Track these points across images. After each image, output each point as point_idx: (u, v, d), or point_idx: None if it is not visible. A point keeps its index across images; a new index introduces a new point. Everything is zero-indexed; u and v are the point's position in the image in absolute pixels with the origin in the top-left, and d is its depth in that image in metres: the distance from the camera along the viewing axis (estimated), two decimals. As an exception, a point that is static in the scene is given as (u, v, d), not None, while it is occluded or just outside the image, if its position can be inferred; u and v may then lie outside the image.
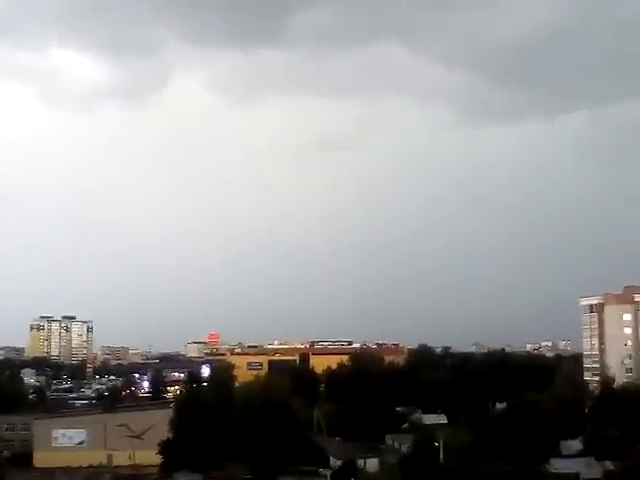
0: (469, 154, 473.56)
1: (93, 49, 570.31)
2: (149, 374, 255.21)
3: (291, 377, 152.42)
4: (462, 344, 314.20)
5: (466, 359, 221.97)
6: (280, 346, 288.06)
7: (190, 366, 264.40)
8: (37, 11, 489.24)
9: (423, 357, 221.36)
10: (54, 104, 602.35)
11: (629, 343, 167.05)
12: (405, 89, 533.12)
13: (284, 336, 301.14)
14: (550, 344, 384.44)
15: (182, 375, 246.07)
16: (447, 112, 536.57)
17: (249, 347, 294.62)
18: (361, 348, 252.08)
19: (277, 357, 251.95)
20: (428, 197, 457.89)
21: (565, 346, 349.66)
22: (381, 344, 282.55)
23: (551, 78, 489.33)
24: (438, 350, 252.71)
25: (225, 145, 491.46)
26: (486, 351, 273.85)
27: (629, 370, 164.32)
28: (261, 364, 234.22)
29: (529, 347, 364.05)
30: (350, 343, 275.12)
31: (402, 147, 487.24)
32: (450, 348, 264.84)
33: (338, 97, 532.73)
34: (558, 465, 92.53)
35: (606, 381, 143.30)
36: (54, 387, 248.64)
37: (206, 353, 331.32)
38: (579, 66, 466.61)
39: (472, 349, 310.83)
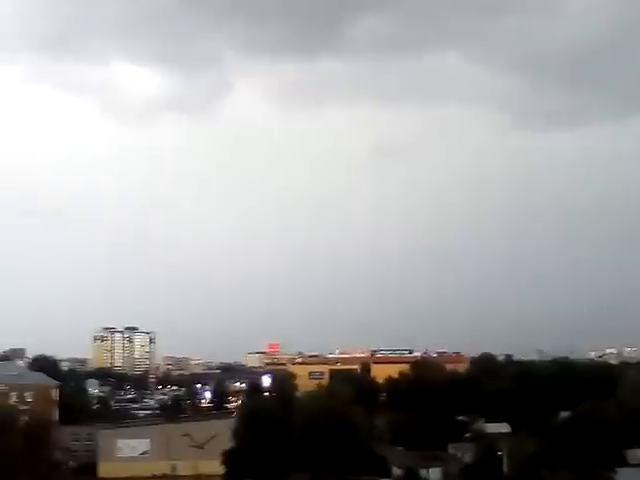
0: (527, 159, 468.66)
1: (154, 61, 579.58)
2: (211, 384, 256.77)
3: (352, 386, 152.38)
4: (525, 352, 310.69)
5: (529, 367, 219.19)
6: (341, 355, 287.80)
7: (251, 376, 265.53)
8: (98, 24, 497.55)
9: (485, 365, 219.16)
10: (115, 118, 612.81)
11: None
12: (462, 96, 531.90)
13: (345, 345, 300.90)
14: (615, 351, 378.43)
15: (243, 385, 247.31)
16: (504, 118, 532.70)
17: (310, 357, 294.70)
18: (422, 357, 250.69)
19: (338, 366, 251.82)
20: (488, 203, 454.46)
21: (630, 353, 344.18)
22: (442, 352, 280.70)
23: (614, 81, 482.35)
24: (500, 358, 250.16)
25: (286, 156, 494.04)
26: (549, 359, 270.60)
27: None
28: (322, 373, 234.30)
29: (593, 354, 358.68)
30: (411, 352, 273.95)
31: (461, 153, 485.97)
32: (512, 356, 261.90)
33: (396, 105, 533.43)
34: (624, 474, 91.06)
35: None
36: (118, 397, 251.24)
37: (266, 363, 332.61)
38: (632, 72, 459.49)
39: (535, 357, 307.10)
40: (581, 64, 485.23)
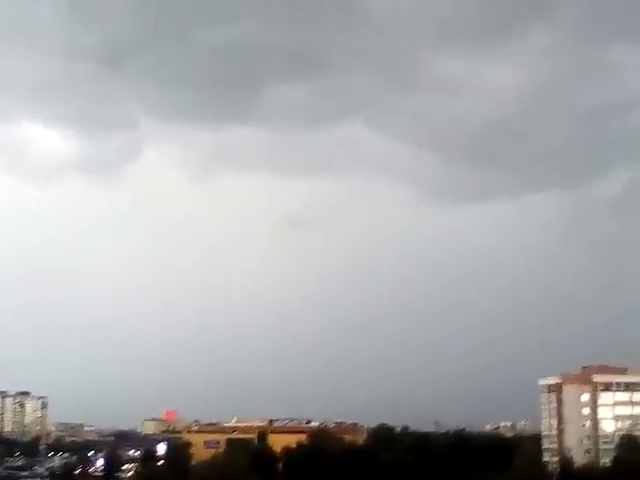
0: (435, 233, 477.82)
1: (67, 123, 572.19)
2: (104, 452, 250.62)
3: (249, 456, 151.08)
4: (422, 423, 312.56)
5: (425, 439, 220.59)
6: (238, 424, 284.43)
7: (146, 444, 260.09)
8: (12, 84, 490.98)
9: (382, 436, 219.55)
10: (22, 179, 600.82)
11: (587, 424, 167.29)
12: (371, 167, 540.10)
13: (243, 414, 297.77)
14: (509, 424, 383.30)
15: (138, 453, 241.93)
16: (413, 192, 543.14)
17: (207, 425, 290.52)
18: (320, 427, 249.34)
19: (235, 435, 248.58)
20: (396, 275, 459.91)
21: (524, 426, 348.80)
22: (340, 423, 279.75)
23: (518, 159, 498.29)
24: (397, 429, 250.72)
25: (195, 224, 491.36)
26: (445, 431, 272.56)
27: (587, 451, 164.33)
28: (218, 442, 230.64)
29: (488, 427, 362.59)
30: (309, 422, 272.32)
31: (372, 226, 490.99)
32: (409, 427, 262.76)
33: (307, 176, 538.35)
34: None
35: (565, 462, 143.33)
36: (6, 464, 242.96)
37: (163, 431, 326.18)
38: (546, 148, 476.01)
39: (432, 428, 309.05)
40: (486, 141, 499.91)
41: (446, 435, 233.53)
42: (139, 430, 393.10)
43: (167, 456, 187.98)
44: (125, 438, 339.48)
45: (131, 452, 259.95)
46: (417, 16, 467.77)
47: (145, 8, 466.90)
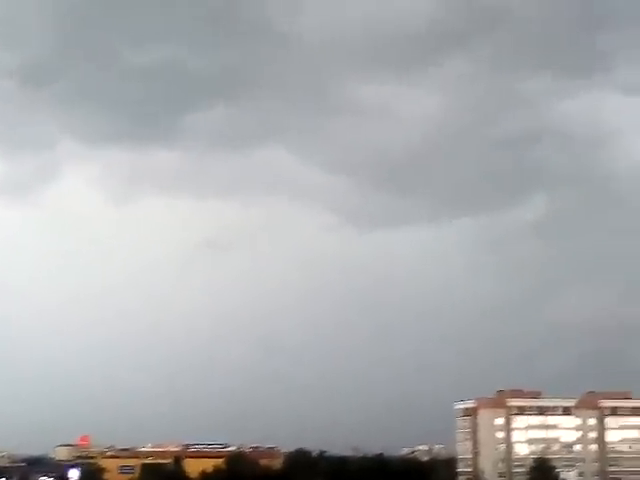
0: (353, 257, 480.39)
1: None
2: (15, 478, 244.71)
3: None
4: (339, 448, 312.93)
5: (342, 463, 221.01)
6: (153, 449, 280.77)
7: (58, 470, 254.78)
8: None
9: (299, 461, 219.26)
10: None
11: (502, 447, 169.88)
12: (293, 193, 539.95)
13: (158, 439, 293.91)
14: (426, 448, 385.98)
15: (51, 479, 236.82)
16: (333, 217, 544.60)
17: (121, 450, 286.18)
18: (237, 451, 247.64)
19: (150, 460, 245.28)
20: (313, 298, 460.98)
21: (440, 450, 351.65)
22: (256, 447, 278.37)
23: (437, 186, 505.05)
24: (314, 454, 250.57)
25: (114, 247, 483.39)
26: (362, 455, 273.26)
27: (502, 474, 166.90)
28: (133, 467, 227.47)
29: (405, 451, 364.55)
30: (226, 446, 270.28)
31: (289, 250, 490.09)
32: (326, 452, 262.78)
33: (229, 199, 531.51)
34: None
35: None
36: None
37: (76, 456, 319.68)
38: (465, 175, 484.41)
39: (348, 453, 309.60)
40: (405, 168, 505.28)
41: (363, 459, 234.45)
42: (52, 456, 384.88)
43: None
44: (37, 464, 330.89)
45: (43, 478, 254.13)
46: (340, 42, 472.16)
47: (67, 27, 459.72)
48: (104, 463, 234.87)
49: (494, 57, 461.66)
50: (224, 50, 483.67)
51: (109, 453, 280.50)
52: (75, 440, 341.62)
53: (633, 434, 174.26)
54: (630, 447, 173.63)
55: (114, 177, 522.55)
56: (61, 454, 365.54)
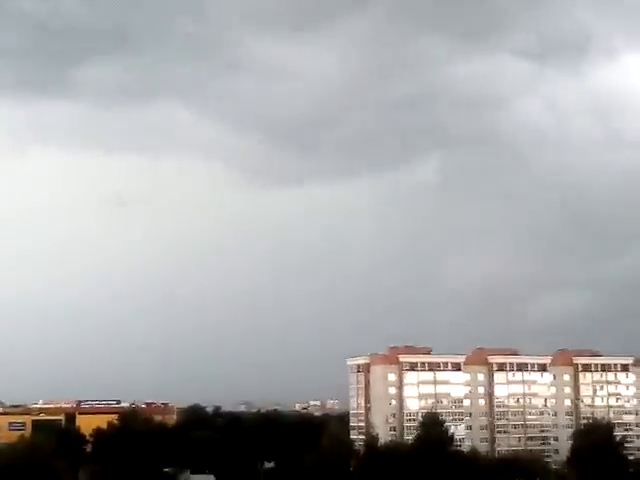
0: (252, 214, 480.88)
1: None
2: None
3: (56, 438, 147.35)
4: (233, 403, 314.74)
5: (236, 418, 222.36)
6: (45, 405, 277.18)
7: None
8: None
9: (193, 417, 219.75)
10: None
11: (393, 402, 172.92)
12: (191, 149, 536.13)
13: (49, 395, 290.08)
14: (319, 403, 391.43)
15: None
16: (231, 173, 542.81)
17: (11, 407, 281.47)
18: (130, 407, 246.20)
19: (41, 417, 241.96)
20: (212, 253, 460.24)
21: (333, 405, 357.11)
22: (151, 403, 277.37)
23: (332, 144, 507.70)
24: (209, 410, 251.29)
25: (7, 200, 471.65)
26: (256, 410, 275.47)
27: (393, 429, 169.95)
28: (24, 424, 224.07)
29: (298, 406, 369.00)
30: (119, 402, 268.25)
31: (188, 205, 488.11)
32: (220, 407, 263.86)
33: (129, 154, 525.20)
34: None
35: (371, 439, 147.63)
36: None
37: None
38: (359, 134, 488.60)
39: (242, 408, 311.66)
40: (305, 128, 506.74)
41: (257, 415, 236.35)
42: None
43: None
44: None
45: None
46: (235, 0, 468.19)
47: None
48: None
49: (390, 18, 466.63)
50: (125, 7, 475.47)
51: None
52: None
53: (519, 389, 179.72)
54: (517, 401, 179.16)
55: (5, 128, 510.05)
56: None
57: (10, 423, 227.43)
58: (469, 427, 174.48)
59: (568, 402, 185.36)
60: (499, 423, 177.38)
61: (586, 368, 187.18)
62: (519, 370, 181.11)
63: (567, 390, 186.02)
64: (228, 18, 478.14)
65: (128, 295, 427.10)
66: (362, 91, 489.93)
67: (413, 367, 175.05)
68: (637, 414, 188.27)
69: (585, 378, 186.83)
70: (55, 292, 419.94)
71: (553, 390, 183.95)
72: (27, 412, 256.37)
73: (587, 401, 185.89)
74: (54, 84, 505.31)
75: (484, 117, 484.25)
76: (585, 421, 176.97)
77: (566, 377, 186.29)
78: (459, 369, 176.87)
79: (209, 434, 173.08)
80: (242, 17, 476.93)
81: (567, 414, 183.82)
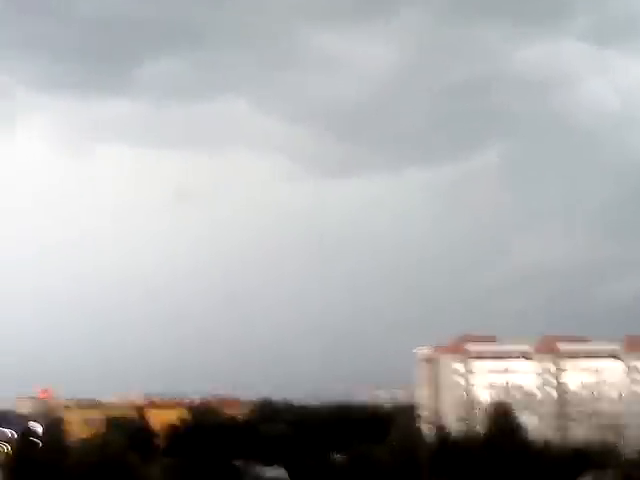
0: (315, 205, 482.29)
1: None
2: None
3: (127, 432, 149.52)
4: (302, 396, 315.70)
5: (306, 412, 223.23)
6: (116, 400, 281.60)
7: (21, 423, 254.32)
8: None
9: (263, 410, 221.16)
10: None
11: (462, 392, 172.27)
12: (250, 143, 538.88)
13: (121, 390, 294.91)
14: (388, 395, 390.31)
15: (13, 433, 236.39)
16: (291, 165, 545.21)
17: (84, 402, 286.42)
18: (201, 402, 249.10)
19: (113, 412, 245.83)
20: (277, 247, 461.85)
21: (401, 396, 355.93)
22: (222, 397, 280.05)
23: (391, 135, 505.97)
24: (279, 403, 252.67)
25: (75, 197, 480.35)
26: (326, 403, 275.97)
27: (462, 419, 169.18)
28: (97, 420, 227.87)
29: (367, 398, 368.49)
30: (189, 396, 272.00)
31: (250, 198, 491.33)
32: (291, 401, 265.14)
33: (189, 150, 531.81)
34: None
35: (440, 430, 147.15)
36: None
37: (38, 409, 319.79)
38: (414, 125, 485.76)
39: (312, 401, 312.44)
40: (363, 118, 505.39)
41: (327, 407, 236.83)
42: (13, 409, 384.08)
43: (44, 435, 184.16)
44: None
45: (6, 432, 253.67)
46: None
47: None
48: (67, 415, 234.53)
49: (452, 7, 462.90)
50: (184, 2, 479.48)
51: (71, 405, 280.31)
52: (37, 393, 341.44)
53: (590, 377, 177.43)
54: (588, 390, 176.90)
55: (73, 127, 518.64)
56: (23, 407, 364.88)
57: (84, 419, 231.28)
58: (539, 416, 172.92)
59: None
60: (570, 412, 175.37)
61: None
62: (589, 357, 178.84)
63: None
64: (287, 10, 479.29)
65: (193, 291, 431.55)
66: (422, 79, 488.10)
67: (480, 356, 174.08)
68: None
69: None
70: (121, 289, 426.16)
71: (625, 377, 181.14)
72: (100, 407, 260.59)
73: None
74: (117, 82, 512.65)
75: (547, 101, 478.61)
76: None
77: (638, 364, 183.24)
78: (527, 357, 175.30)
79: (279, 427, 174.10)
80: (301, 9, 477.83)
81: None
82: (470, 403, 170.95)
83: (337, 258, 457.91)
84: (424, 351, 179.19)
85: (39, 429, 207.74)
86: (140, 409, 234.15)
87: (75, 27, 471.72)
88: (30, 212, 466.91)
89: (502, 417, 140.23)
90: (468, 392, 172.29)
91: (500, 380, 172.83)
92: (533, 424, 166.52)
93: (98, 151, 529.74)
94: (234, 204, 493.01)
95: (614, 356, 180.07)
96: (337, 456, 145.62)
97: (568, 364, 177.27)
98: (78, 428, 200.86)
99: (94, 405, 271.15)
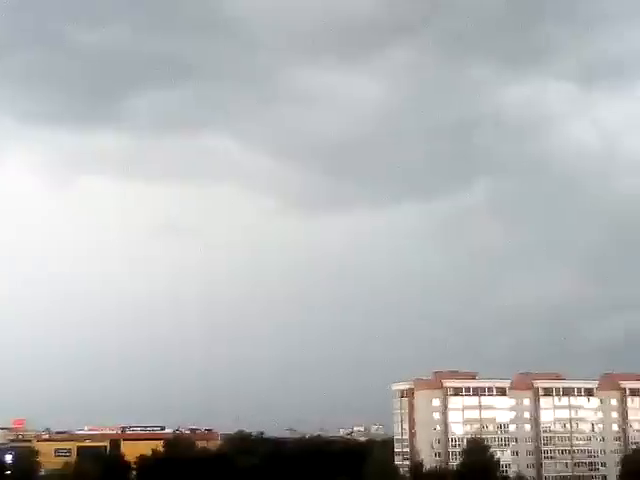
0: (297, 241, 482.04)
1: None
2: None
3: (101, 464, 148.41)
4: (277, 429, 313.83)
5: (280, 444, 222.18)
6: (90, 432, 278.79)
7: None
8: None
9: (237, 443, 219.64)
10: None
11: (438, 428, 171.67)
12: (236, 177, 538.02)
13: (94, 421, 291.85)
14: (363, 429, 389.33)
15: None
16: (274, 201, 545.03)
17: (57, 433, 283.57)
18: (174, 433, 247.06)
19: (87, 443, 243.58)
20: (261, 281, 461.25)
21: (377, 430, 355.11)
22: (194, 429, 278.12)
23: (378, 172, 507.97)
24: (254, 436, 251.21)
25: (60, 228, 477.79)
26: (300, 436, 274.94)
27: (437, 454, 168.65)
28: (69, 450, 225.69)
29: (342, 432, 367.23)
30: (163, 428, 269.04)
31: (236, 232, 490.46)
32: (263, 433, 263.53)
33: (175, 183, 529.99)
34: None
35: (416, 465, 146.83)
36: None
37: (11, 439, 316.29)
38: (400, 162, 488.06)
39: (287, 434, 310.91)
40: (346, 154, 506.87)
41: (301, 441, 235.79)
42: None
43: (14, 466, 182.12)
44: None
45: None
46: (284, 30, 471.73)
47: (11, 7, 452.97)
48: (39, 446, 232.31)
49: (438, 46, 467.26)
50: (175, 37, 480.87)
51: (45, 436, 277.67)
52: (10, 423, 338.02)
53: (565, 414, 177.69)
54: (564, 426, 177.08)
55: (58, 158, 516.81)
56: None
57: (56, 450, 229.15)
58: (515, 452, 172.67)
59: (616, 427, 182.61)
60: (545, 448, 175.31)
61: (634, 392, 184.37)
62: (565, 395, 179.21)
63: (614, 415, 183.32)
64: (275, 46, 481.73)
65: (176, 323, 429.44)
66: (409, 118, 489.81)
67: (458, 392, 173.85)
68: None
69: (633, 402, 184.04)
70: (102, 321, 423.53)
71: (600, 415, 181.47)
72: (72, 438, 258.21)
73: (636, 426, 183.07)
74: (103, 114, 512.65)
75: (531, 141, 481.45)
76: (634, 446, 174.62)
77: (613, 402, 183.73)
78: (504, 394, 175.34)
79: (253, 460, 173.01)
80: (288, 46, 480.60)
81: (615, 439, 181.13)
82: (446, 438, 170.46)
83: (320, 292, 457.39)
84: (401, 386, 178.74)
85: (10, 459, 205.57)
86: (114, 441, 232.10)
87: (62, 59, 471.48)
88: (14, 242, 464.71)
89: (477, 452, 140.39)
90: (445, 427, 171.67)
91: (476, 416, 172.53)
92: (509, 460, 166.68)
93: (83, 183, 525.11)
94: (220, 237, 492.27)
95: (590, 394, 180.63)
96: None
97: (544, 401, 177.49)
98: (50, 459, 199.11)
99: (67, 436, 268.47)
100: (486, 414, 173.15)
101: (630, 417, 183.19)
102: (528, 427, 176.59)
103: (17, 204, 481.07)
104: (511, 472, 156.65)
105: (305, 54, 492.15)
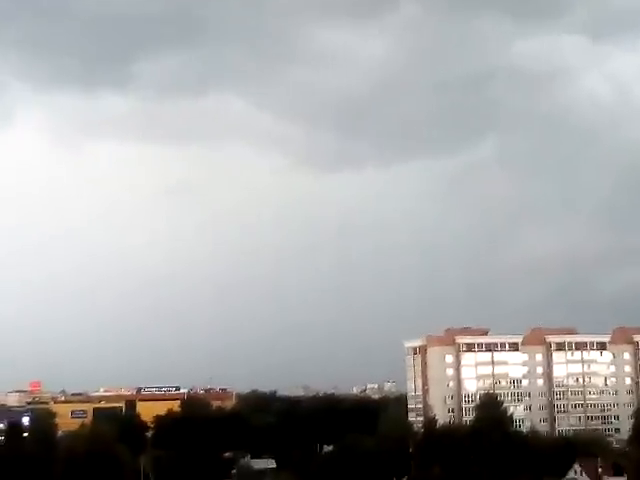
0: (311, 199, 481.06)
1: None
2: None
3: (117, 425, 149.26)
4: (291, 388, 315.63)
5: (294, 403, 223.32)
6: (105, 393, 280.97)
7: (10, 416, 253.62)
8: None
9: (252, 402, 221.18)
10: None
11: (451, 384, 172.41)
12: (247, 137, 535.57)
13: (110, 382, 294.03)
14: (376, 386, 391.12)
15: (1, 426, 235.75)
16: (285, 160, 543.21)
17: (73, 395, 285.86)
18: (189, 394, 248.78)
19: (102, 404, 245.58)
20: (275, 240, 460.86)
21: (390, 388, 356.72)
22: (209, 389, 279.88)
23: (387, 129, 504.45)
24: (268, 395, 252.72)
25: (67, 194, 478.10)
26: (314, 394, 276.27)
27: (451, 410, 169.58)
28: (85, 412, 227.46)
29: (356, 390, 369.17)
30: (178, 389, 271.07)
31: (247, 191, 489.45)
32: (277, 392, 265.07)
33: (183, 144, 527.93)
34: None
35: (429, 421, 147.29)
36: None
37: (28, 402, 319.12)
38: (409, 119, 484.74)
39: (300, 393, 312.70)
40: (360, 113, 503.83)
41: (315, 399, 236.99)
42: (2, 402, 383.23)
43: (31, 428, 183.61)
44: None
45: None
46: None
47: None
48: (56, 408, 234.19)
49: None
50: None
51: (61, 398, 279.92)
52: (27, 386, 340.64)
53: (578, 368, 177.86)
54: (576, 381, 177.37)
55: (68, 122, 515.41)
56: (12, 400, 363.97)
57: (72, 411, 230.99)
58: (528, 407, 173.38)
59: (629, 380, 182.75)
60: (558, 403, 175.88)
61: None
62: (578, 349, 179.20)
63: (627, 368, 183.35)
64: (284, 7, 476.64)
65: (189, 285, 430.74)
66: (419, 74, 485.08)
67: (470, 348, 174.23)
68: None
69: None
70: (114, 282, 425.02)
71: (613, 369, 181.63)
72: (88, 400, 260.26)
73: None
74: (113, 78, 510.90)
75: (544, 94, 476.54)
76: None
77: (626, 355, 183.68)
78: (517, 349, 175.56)
79: (268, 419, 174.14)
80: (298, 5, 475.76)
81: (628, 392, 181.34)
82: (459, 394, 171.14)
83: (332, 251, 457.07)
84: (414, 343, 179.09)
85: (27, 421, 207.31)
86: (129, 402, 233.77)
87: (72, 24, 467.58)
88: (27, 204, 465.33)
89: (490, 408, 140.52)
90: (457, 383, 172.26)
91: (489, 371, 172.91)
92: (522, 415, 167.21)
93: (94, 146, 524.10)
94: (231, 198, 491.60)
95: (603, 348, 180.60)
96: (326, 446, 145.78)
97: (557, 355, 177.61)
98: (66, 420, 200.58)
99: (83, 398, 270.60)
100: (499, 370, 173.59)
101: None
102: (541, 382, 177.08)
103: (29, 166, 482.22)
104: (524, 427, 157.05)
105: (315, 12, 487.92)
